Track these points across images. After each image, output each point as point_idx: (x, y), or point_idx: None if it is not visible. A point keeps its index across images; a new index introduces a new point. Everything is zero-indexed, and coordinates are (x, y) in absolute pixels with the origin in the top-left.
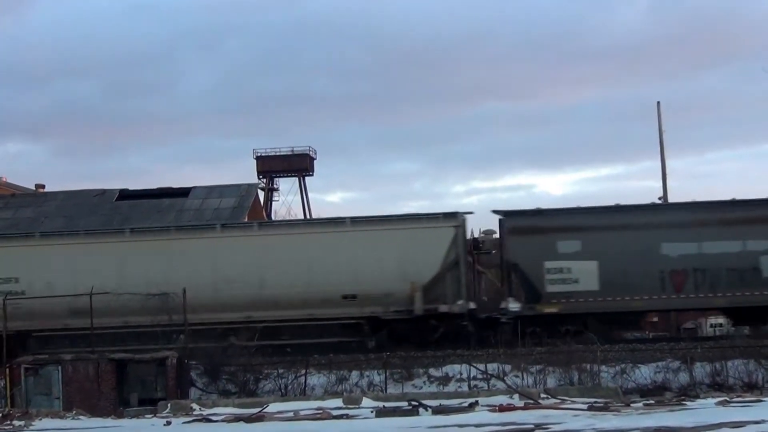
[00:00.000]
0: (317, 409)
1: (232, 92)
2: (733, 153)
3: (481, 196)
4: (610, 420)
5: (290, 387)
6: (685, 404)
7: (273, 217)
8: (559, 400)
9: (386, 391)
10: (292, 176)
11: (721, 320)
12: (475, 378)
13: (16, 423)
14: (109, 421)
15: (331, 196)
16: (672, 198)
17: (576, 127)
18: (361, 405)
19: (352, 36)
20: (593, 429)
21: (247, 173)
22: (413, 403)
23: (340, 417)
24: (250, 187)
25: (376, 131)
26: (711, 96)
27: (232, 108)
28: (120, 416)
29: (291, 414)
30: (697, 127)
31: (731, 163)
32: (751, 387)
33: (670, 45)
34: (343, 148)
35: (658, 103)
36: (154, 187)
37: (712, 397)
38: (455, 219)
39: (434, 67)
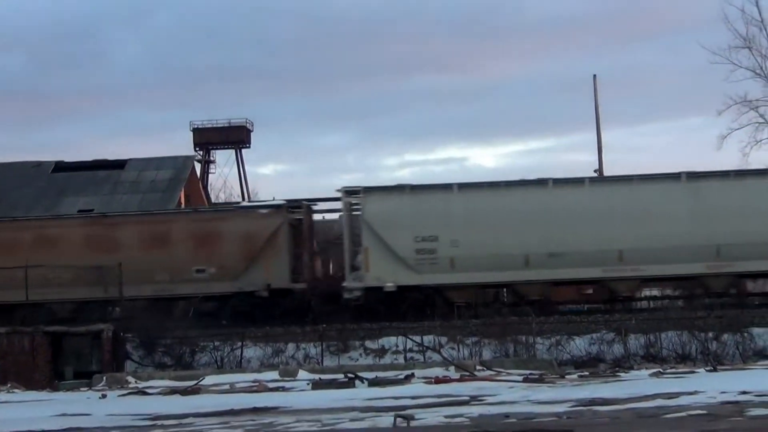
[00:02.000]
0: (253, 381)
1: (162, 66)
2: (664, 126)
3: (414, 169)
4: (545, 391)
5: (226, 359)
6: (619, 376)
7: (210, 190)
8: (494, 372)
9: (322, 364)
10: (229, 148)
11: (655, 292)
12: (411, 350)
13: None
14: (44, 395)
15: (264, 168)
16: (608, 172)
17: (507, 100)
18: (297, 377)
19: (280, 10)
20: (528, 401)
21: (181, 146)
22: (349, 375)
23: (276, 389)
24: (187, 160)
25: (307, 105)
26: (641, 70)
27: (163, 81)
28: (55, 389)
29: (227, 386)
30: (627, 101)
31: (662, 136)
32: (684, 359)
33: (600, 19)
34: (275, 121)
35: (594, 76)
36: (90, 159)
37: (646, 368)
38: None
39: (364, 41)
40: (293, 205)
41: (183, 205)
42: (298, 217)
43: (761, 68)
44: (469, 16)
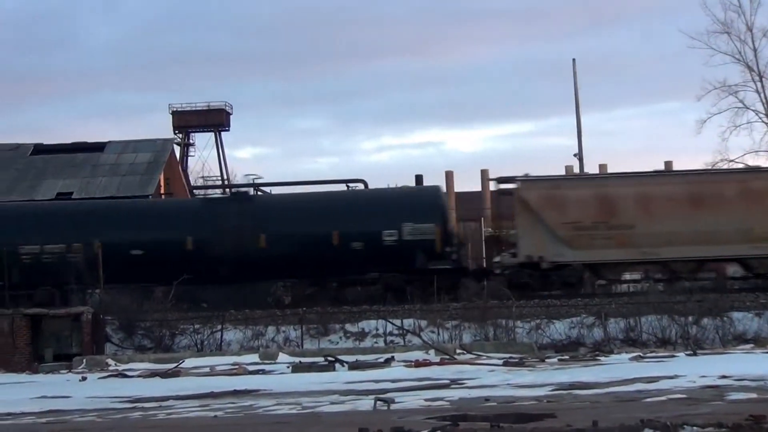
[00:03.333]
0: (233, 364)
1: (136, 48)
2: (640, 110)
3: (392, 153)
4: (525, 375)
5: (206, 342)
6: (599, 360)
7: (189, 173)
8: (474, 356)
9: (302, 347)
10: (208, 131)
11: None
12: (391, 334)
13: None
14: (24, 377)
15: (241, 152)
16: (585, 156)
17: (484, 84)
18: (278, 360)
19: None
20: (508, 384)
21: (158, 128)
22: (329, 358)
23: (256, 372)
24: (166, 143)
25: (283, 88)
26: (615, 54)
27: (137, 64)
28: (35, 372)
29: (207, 369)
30: (601, 85)
31: (638, 120)
32: (664, 343)
33: (576, 2)
34: (250, 105)
35: (574, 60)
36: (69, 141)
37: (626, 352)
38: None
39: (339, 23)
40: None
41: (162, 190)
42: None
43: (740, 53)
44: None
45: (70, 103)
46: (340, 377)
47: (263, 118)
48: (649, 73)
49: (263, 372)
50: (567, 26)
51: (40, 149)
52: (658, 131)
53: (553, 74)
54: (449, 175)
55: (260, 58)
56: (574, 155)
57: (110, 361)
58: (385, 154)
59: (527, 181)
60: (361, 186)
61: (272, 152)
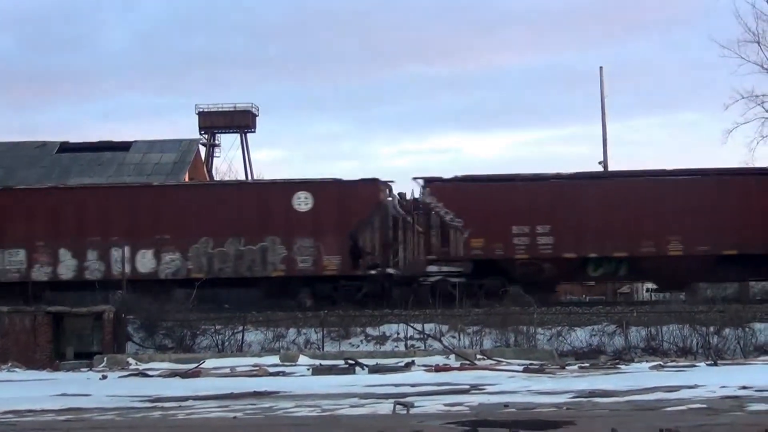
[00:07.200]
0: (254, 365)
1: (153, 51)
2: (659, 120)
3: (411, 158)
4: (545, 382)
5: (227, 343)
6: (619, 368)
7: (214, 174)
8: (494, 362)
9: (323, 349)
10: (233, 132)
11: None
12: (412, 338)
13: None
14: (45, 374)
15: (259, 153)
16: (609, 165)
17: (503, 90)
18: (298, 362)
19: None
20: (528, 390)
21: (181, 130)
22: (350, 361)
23: (277, 374)
24: (192, 143)
25: (302, 92)
26: (635, 63)
27: (158, 65)
28: (56, 369)
29: (227, 370)
30: (619, 94)
31: (657, 130)
32: (685, 352)
33: (594, 12)
34: (269, 108)
35: (601, 68)
36: (94, 140)
37: (647, 361)
38: None
39: (359, 29)
40: None
41: None
42: None
43: None
44: (462, 6)
45: (94, 103)
46: (360, 380)
47: (282, 121)
48: (669, 82)
49: (283, 374)
50: (587, 35)
51: (66, 147)
52: (680, 141)
53: (573, 83)
54: None
55: (280, 62)
56: (599, 163)
57: (131, 360)
58: (403, 159)
59: None
60: None
61: (291, 155)
